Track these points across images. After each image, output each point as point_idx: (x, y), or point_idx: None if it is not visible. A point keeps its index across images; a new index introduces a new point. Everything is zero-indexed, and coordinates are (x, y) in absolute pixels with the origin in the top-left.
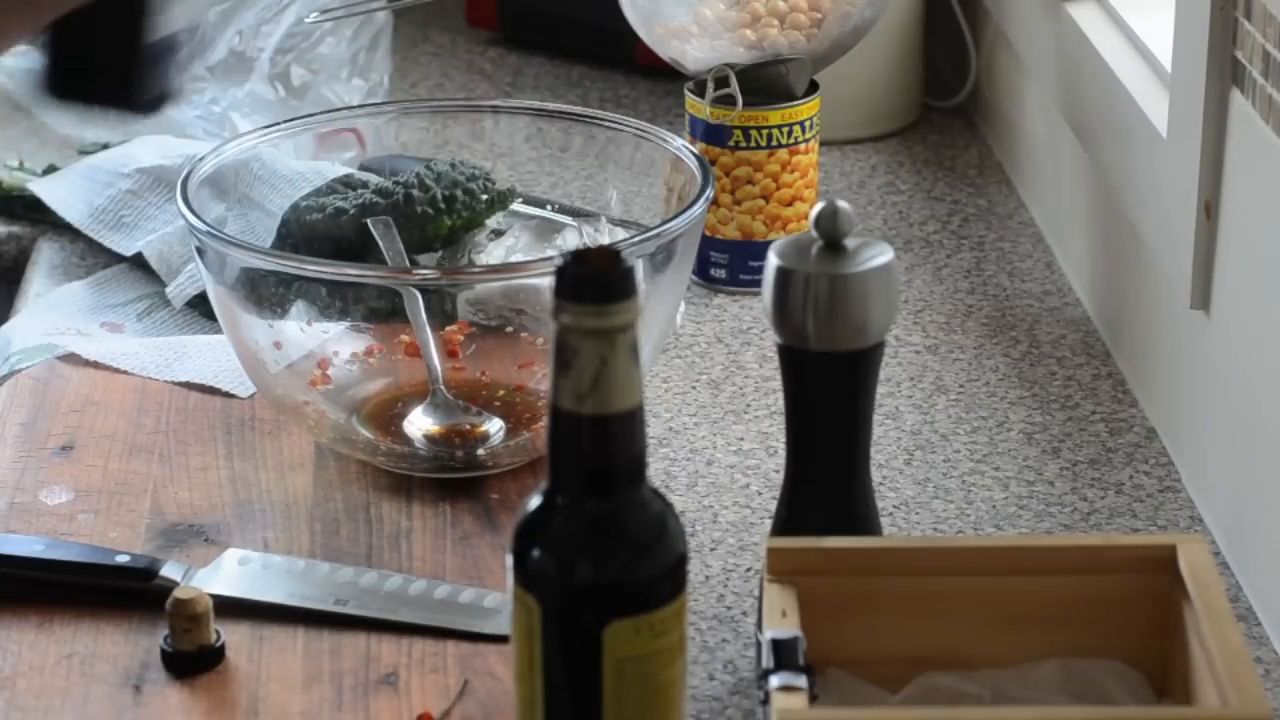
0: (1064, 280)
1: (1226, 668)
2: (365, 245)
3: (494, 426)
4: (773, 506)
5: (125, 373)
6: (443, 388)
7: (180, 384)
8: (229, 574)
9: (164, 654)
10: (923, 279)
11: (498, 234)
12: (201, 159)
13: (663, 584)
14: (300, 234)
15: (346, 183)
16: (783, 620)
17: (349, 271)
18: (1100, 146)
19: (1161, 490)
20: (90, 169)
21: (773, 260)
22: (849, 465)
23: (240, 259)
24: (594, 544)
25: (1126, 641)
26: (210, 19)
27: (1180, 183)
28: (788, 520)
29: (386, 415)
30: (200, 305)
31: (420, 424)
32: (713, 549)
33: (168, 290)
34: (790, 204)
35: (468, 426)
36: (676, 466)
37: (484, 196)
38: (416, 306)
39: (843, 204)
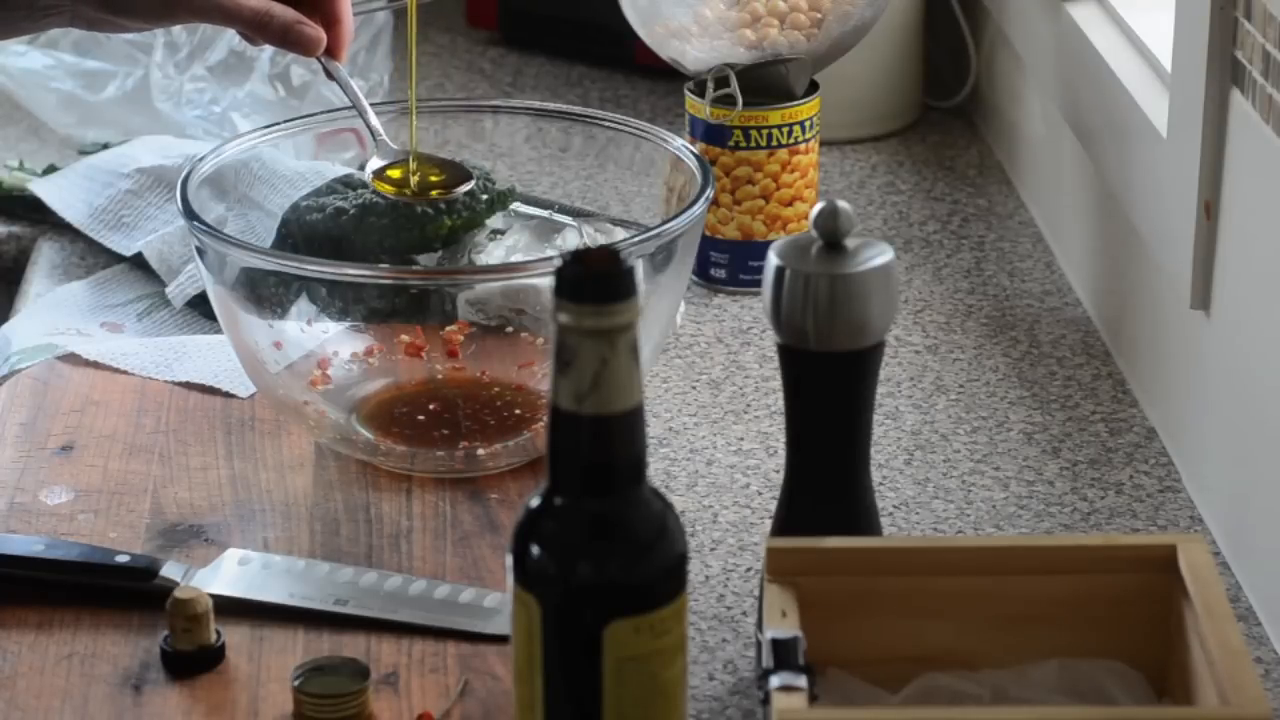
0: (1064, 280)
1: (1226, 668)
2: (365, 245)
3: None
4: (773, 506)
5: (125, 373)
6: (386, 139)
7: (180, 384)
8: (229, 574)
9: (164, 654)
10: (923, 279)
11: (498, 234)
12: (201, 159)
13: (663, 584)
14: (300, 234)
15: (346, 183)
16: (783, 620)
17: (349, 271)
18: (1100, 146)
19: (1161, 490)
20: (90, 169)
21: (773, 260)
22: (849, 465)
23: (240, 259)
24: (594, 544)
25: (1126, 641)
26: None
27: (1180, 183)
28: (788, 520)
29: (386, 415)
30: (200, 305)
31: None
32: (713, 549)
33: (168, 290)
34: (790, 204)
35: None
36: (676, 466)
37: (484, 196)
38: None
39: (843, 204)
